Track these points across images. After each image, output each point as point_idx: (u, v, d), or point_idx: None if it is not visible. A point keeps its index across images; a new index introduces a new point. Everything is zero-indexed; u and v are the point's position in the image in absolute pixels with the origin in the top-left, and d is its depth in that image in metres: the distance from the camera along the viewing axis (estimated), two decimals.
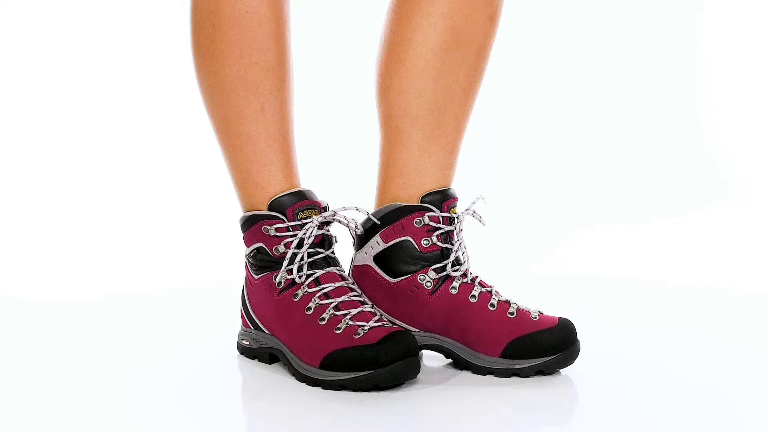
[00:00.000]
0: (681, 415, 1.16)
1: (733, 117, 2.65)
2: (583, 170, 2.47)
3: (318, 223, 1.30)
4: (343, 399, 1.21)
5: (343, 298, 1.28)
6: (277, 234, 1.30)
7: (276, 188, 1.32)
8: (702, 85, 2.68)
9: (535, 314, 1.30)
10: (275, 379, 1.29)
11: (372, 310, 1.28)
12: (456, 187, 1.38)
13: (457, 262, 1.34)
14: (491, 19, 1.35)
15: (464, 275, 1.33)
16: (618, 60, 2.65)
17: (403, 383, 1.25)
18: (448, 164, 1.37)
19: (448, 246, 1.34)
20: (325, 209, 1.32)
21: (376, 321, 1.26)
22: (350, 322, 1.25)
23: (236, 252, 2.08)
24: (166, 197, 2.36)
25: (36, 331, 1.55)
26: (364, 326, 1.24)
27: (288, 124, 1.34)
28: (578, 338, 1.29)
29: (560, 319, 1.30)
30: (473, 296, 1.32)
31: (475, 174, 1.72)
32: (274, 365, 1.34)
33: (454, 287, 1.32)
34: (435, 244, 1.33)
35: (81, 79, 2.52)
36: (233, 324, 1.43)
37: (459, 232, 1.35)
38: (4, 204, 2.29)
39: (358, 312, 1.27)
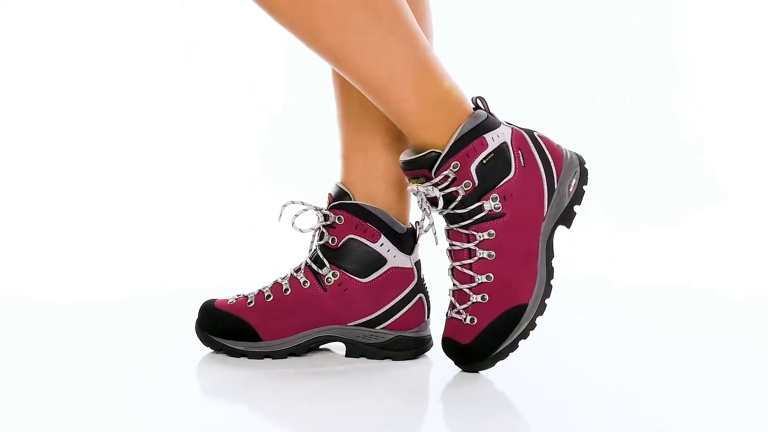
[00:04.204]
0: (677, 419, 1.17)
1: (723, 121, 2.65)
2: None
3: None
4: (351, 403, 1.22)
5: None
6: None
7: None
8: (693, 88, 2.69)
9: None
10: (274, 380, 1.30)
11: None
12: None
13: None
14: None
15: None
16: (610, 66, 2.66)
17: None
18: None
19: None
20: None
21: None
22: None
23: (235, 254, 2.09)
24: (167, 198, 2.37)
25: (36, 332, 1.55)
26: None
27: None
28: None
29: None
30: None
31: None
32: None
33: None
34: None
35: (86, 83, 2.53)
36: None
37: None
38: (5, 205, 2.29)
39: None
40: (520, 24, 2.67)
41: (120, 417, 1.18)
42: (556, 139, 1.35)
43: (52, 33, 2.56)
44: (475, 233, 1.29)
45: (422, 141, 1.29)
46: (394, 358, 1.38)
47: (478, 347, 1.29)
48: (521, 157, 1.30)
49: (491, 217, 1.29)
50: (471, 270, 1.29)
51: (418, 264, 1.40)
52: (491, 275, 1.29)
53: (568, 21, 2.68)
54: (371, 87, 1.28)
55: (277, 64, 2.65)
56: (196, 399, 1.27)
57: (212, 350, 1.40)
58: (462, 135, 1.28)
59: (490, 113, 1.31)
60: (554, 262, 1.32)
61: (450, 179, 1.28)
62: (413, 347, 1.38)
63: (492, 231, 1.28)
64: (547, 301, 1.31)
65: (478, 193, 1.28)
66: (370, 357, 1.38)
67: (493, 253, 1.29)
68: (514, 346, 1.29)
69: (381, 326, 1.37)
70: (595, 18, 2.68)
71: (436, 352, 1.38)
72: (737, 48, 2.68)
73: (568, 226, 1.33)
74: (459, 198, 1.28)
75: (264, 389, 1.27)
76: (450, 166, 1.27)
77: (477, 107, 1.31)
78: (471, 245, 1.29)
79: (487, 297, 1.29)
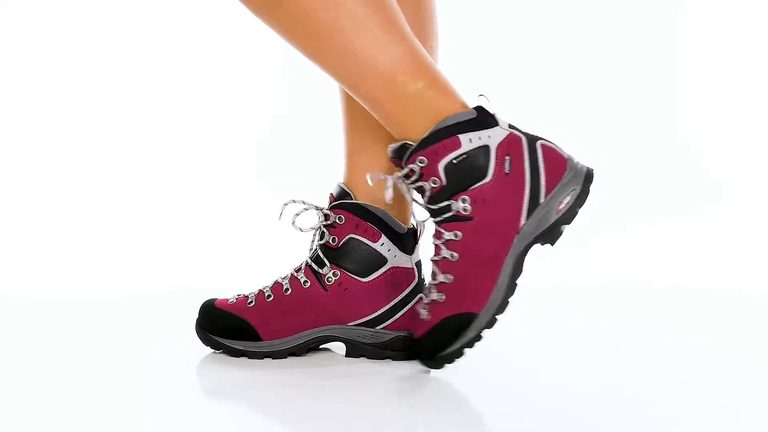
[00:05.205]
0: (678, 419, 1.17)
1: (723, 118, 2.65)
2: None
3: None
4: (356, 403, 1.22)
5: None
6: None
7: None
8: (694, 86, 2.69)
9: None
10: (274, 380, 1.30)
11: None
12: None
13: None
14: None
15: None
16: (611, 64, 2.66)
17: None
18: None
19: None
20: None
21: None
22: None
23: (235, 254, 2.09)
24: (167, 198, 2.37)
25: (36, 331, 1.55)
26: None
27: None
28: None
29: None
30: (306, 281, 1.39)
31: None
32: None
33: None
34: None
35: (86, 83, 2.52)
36: None
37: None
38: (5, 205, 2.29)
39: None
40: (524, 26, 2.67)
41: (120, 417, 1.18)
42: (567, 149, 1.31)
43: (51, 33, 2.56)
44: (442, 231, 1.28)
45: (406, 139, 1.29)
46: (394, 358, 1.38)
47: (425, 343, 1.29)
48: (506, 164, 1.27)
49: (459, 218, 1.27)
50: (437, 267, 1.29)
51: (418, 264, 1.39)
52: (450, 276, 1.28)
53: (571, 22, 2.68)
54: (349, 88, 1.29)
55: (278, 63, 2.65)
56: (196, 399, 1.28)
57: (212, 350, 1.40)
58: (434, 132, 1.26)
59: (490, 114, 1.29)
60: (520, 280, 1.28)
61: (417, 174, 1.27)
62: None
63: (458, 232, 1.27)
64: (499, 317, 1.27)
65: (449, 192, 1.27)
66: (370, 357, 1.38)
67: (455, 254, 1.27)
68: (459, 353, 1.28)
69: (381, 326, 1.37)
70: (597, 19, 2.68)
71: None
72: (738, 48, 2.68)
73: (552, 244, 1.29)
74: (427, 194, 1.28)
75: (264, 389, 1.27)
76: (416, 160, 1.27)
77: (479, 106, 1.29)
78: (439, 242, 1.29)
79: (443, 296, 1.28)
